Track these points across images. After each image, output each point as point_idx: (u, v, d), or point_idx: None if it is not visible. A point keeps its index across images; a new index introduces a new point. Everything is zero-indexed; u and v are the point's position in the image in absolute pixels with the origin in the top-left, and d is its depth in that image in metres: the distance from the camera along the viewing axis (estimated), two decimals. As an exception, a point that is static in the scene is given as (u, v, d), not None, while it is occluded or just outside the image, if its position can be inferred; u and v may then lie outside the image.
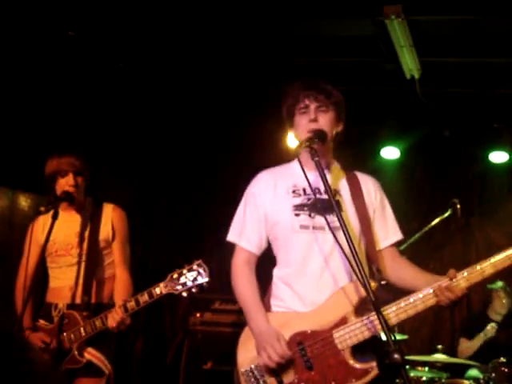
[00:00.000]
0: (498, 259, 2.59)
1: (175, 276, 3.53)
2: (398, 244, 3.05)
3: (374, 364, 2.49)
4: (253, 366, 2.72)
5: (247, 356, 2.78)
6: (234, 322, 6.43)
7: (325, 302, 2.69)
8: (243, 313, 2.89)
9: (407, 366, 5.37)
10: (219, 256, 6.28)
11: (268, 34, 5.48)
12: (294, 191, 2.90)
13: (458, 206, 5.58)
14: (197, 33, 5.40)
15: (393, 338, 1.83)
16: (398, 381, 3.73)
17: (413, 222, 6.82)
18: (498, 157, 6.65)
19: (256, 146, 6.86)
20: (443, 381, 5.02)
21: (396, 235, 3.02)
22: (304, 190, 2.86)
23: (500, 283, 5.93)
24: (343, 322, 2.61)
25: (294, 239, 2.84)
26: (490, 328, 5.69)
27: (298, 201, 2.87)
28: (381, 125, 6.70)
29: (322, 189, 2.76)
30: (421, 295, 2.61)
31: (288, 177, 2.92)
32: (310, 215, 2.82)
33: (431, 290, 2.60)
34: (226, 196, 7.30)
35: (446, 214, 5.59)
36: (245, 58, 5.80)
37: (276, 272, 2.94)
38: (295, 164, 2.89)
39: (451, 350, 6.07)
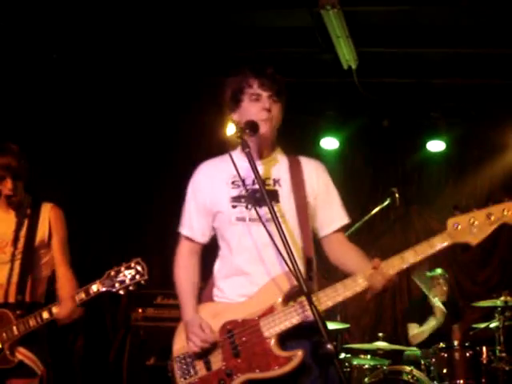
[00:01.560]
0: (420, 247, 2.62)
1: (112, 273, 3.47)
2: (344, 228, 3.02)
3: (298, 352, 2.50)
4: (185, 353, 2.75)
5: (181, 345, 2.79)
6: (177, 316, 6.37)
7: (256, 292, 2.70)
8: None
9: (348, 355, 5.44)
10: (160, 251, 6.26)
11: (205, 25, 5.43)
12: (233, 182, 2.84)
13: (397, 195, 5.63)
14: (134, 24, 5.32)
15: (327, 327, 1.83)
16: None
17: (353, 211, 6.87)
18: (435, 146, 6.77)
19: (195, 141, 6.81)
20: (385, 368, 5.08)
21: (341, 220, 2.97)
22: (243, 181, 2.79)
23: (439, 270, 6.05)
24: (271, 310, 2.63)
25: (231, 231, 2.82)
26: (439, 311, 5.79)
27: (236, 192, 2.82)
28: (320, 115, 6.74)
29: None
30: (354, 279, 2.63)
31: (228, 168, 2.86)
32: (246, 207, 2.78)
33: (363, 274, 2.62)
34: (165, 192, 7.30)
35: (386, 203, 5.65)
36: (181, 50, 5.73)
37: (216, 262, 2.93)
38: (236, 154, 2.85)
39: (393, 338, 6.17)
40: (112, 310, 6.91)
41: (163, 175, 6.99)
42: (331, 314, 6.07)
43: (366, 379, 5.02)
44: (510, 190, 7.08)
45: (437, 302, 5.90)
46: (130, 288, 3.47)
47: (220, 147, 3.80)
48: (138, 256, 3.54)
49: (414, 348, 5.65)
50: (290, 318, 2.59)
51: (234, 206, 2.81)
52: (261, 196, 2.65)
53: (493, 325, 5.25)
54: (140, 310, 6.23)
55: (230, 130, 2.77)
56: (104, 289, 3.48)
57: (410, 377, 4.95)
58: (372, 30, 5.48)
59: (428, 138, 6.74)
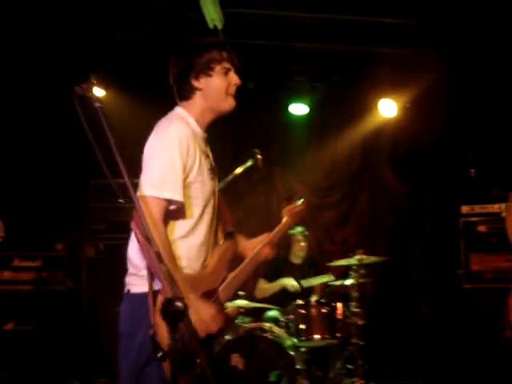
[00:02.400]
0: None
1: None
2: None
3: None
4: None
5: None
6: (35, 279, 6.19)
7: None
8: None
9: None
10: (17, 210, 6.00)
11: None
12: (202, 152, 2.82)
13: (259, 157, 5.66)
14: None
15: (176, 285, 1.82)
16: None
17: (218, 172, 6.90)
18: (298, 109, 6.89)
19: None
20: (246, 325, 5.17)
21: None
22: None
23: (299, 228, 6.23)
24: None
25: (209, 203, 2.78)
26: (289, 282, 5.96)
27: (208, 164, 2.86)
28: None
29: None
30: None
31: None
32: (212, 179, 2.85)
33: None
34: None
35: (248, 164, 5.67)
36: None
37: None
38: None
39: (254, 296, 6.29)
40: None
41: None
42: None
43: (227, 337, 5.08)
44: (368, 154, 7.39)
45: (294, 259, 6.20)
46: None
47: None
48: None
49: (274, 306, 5.79)
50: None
51: (212, 178, 2.89)
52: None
53: (348, 282, 5.48)
54: (-5, 273, 6.01)
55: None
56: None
57: (269, 333, 5.07)
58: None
59: (291, 101, 6.86)
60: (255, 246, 3.12)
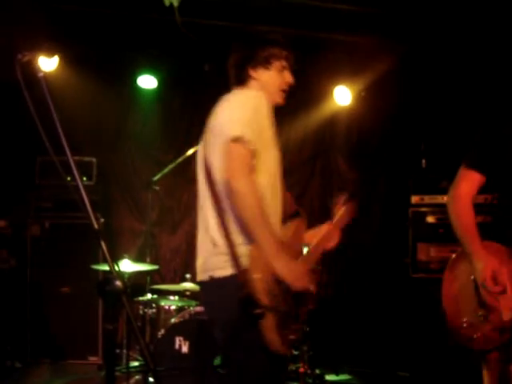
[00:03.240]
0: None
1: None
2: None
3: None
4: None
5: None
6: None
7: None
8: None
9: (155, 296, 5.44)
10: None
11: None
12: None
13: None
14: None
15: (116, 267, 1.77)
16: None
17: (168, 153, 6.83)
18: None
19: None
20: (191, 308, 5.13)
21: None
22: None
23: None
24: None
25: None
26: None
27: None
28: (139, 52, 6.52)
29: None
30: None
31: None
32: None
33: None
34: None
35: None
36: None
37: None
38: None
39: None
40: None
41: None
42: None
43: (173, 320, 5.04)
44: (321, 141, 7.38)
45: None
46: None
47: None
48: None
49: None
50: None
51: None
52: None
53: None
54: None
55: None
56: None
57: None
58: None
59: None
60: (317, 234, 3.10)
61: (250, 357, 2.53)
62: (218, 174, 2.63)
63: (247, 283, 2.42)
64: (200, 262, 2.77)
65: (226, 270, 2.58)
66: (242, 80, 2.94)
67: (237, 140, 2.55)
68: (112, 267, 1.77)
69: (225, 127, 2.63)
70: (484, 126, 2.79)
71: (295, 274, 2.54)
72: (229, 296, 2.52)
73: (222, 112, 2.76)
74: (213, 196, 2.64)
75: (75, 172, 2.06)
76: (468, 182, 2.80)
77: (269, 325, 2.43)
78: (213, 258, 2.65)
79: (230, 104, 2.77)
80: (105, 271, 5.23)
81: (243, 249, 2.55)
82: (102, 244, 1.82)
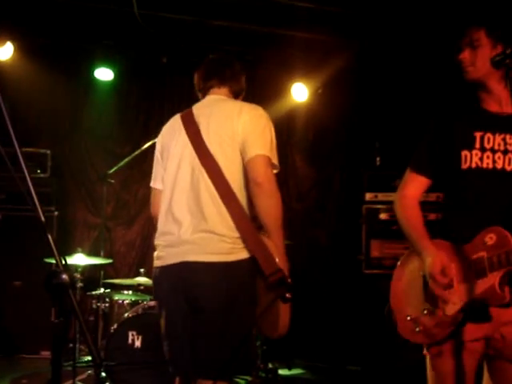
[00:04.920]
0: None
1: None
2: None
3: None
4: None
5: None
6: None
7: None
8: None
9: (108, 290, 5.41)
10: None
11: None
12: None
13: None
14: None
15: (63, 260, 1.76)
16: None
17: (126, 146, 6.78)
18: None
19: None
20: (145, 302, 5.11)
21: None
22: None
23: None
24: None
25: None
26: None
27: None
28: (96, 44, 6.45)
29: None
30: None
31: None
32: None
33: None
34: None
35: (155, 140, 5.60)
36: None
37: None
38: None
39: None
40: None
41: None
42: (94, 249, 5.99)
43: (126, 314, 5.02)
44: (279, 137, 7.38)
45: None
46: None
47: None
48: None
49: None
50: None
51: None
52: None
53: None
54: None
55: None
56: None
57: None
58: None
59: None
60: None
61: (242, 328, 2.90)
62: (235, 176, 2.99)
63: (279, 272, 2.82)
64: (189, 246, 2.94)
65: (233, 255, 2.91)
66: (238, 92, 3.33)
67: (268, 160, 2.99)
68: (59, 260, 1.76)
69: (259, 142, 2.99)
70: (430, 128, 2.84)
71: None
72: (239, 276, 2.90)
73: (251, 123, 3.02)
74: (224, 193, 2.93)
75: (22, 163, 2.03)
76: (414, 185, 2.85)
77: (288, 309, 2.88)
78: (218, 244, 2.90)
79: (261, 120, 3.06)
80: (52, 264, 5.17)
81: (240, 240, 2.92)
82: (49, 237, 1.80)
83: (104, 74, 6.57)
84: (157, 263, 3.09)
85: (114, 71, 6.58)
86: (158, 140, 3.33)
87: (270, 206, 2.95)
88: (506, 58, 2.36)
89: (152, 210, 3.29)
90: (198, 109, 3.19)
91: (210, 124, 3.05)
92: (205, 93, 3.30)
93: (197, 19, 6.22)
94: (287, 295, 2.78)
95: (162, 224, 3.10)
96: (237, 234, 2.91)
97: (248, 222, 2.93)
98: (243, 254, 2.92)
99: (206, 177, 2.96)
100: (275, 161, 3.04)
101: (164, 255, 3.04)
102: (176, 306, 3.00)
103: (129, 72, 6.80)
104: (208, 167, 2.96)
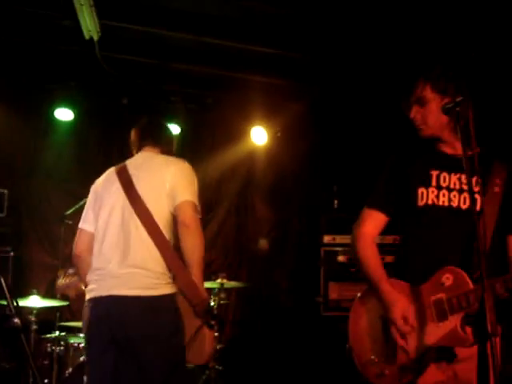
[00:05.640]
0: None
1: None
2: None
3: None
4: None
5: None
6: None
7: None
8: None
9: (64, 333, 5.31)
10: None
11: None
12: None
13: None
14: None
15: (15, 303, 1.73)
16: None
17: (84, 186, 6.72)
18: (173, 129, 6.83)
19: None
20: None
21: None
22: None
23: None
24: None
25: None
26: None
27: None
28: (56, 84, 6.45)
29: None
30: None
31: None
32: None
33: None
34: None
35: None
36: None
37: None
38: None
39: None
40: None
41: None
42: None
43: (82, 358, 4.94)
44: (238, 179, 7.45)
45: None
46: None
47: None
48: None
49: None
50: None
51: None
52: None
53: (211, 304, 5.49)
54: None
55: None
56: None
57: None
58: (118, 3, 5.37)
59: (166, 122, 6.79)
60: None
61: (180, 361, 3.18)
62: (163, 218, 3.29)
63: (205, 301, 3.18)
64: (116, 281, 3.19)
65: (158, 290, 3.17)
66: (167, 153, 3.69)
67: (195, 205, 3.31)
68: (11, 303, 1.73)
69: (187, 190, 3.35)
70: (387, 167, 2.90)
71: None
72: (162, 309, 3.17)
73: (178, 174, 3.40)
74: (152, 232, 3.23)
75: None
76: (372, 222, 2.88)
77: (212, 337, 3.23)
78: (143, 279, 3.16)
79: (188, 171, 3.48)
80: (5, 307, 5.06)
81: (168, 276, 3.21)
82: (1, 279, 1.78)
83: (64, 114, 6.54)
84: (88, 296, 3.31)
85: (74, 111, 6.56)
86: (93, 189, 3.64)
87: (196, 245, 3.20)
88: (456, 105, 2.40)
89: (75, 249, 3.53)
90: (130, 163, 3.55)
91: (140, 173, 3.42)
92: (139, 149, 3.70)
93: (157, 62, 6.28)
94: (212, 322, 3.12)
95: (94, 261, 3.35)
96: (162, 270, 3.21)
97: (176, 258, 3.21)
98: (167, 289, 3.20)
99: (136, 218, 3.26)
100: (199, 207, 3.35)
101: (95, 287, 3.27)
102: (100, 336, 3.18)
103: (89, 112, 6.79)
104: (138, 210, 3.27)
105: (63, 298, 5.65)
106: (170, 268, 3.21)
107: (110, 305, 3.17)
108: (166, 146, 3.74)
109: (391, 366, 2.63)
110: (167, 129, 3.91)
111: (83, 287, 4.03)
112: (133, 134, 3.82)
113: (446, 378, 2.62)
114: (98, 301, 3.23)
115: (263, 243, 7.14)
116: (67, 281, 4.33)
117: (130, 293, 3.15)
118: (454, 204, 2.70)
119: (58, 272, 4.51)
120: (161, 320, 3.16)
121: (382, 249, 2.93)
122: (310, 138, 7.16)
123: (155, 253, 3.21)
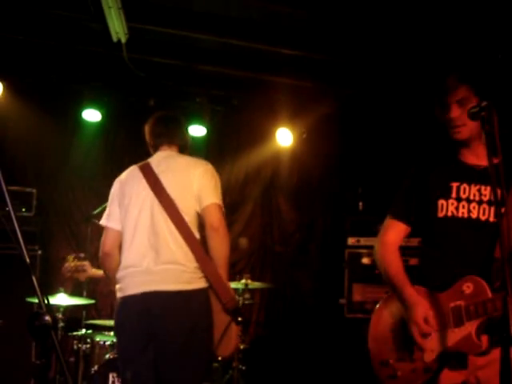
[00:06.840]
0: None
1: None
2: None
3: None
4: None
5: None
6: None
7: None
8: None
9: (90, 331, 5.38)
10: None
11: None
12: None
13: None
14: None
15: (46, 301, 1.78)
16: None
17: (110, 186, 6.78)
18: (197, 130, 6.90)
19: None
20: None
21: None
22: None
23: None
24: None
25: None
26: None
27: None
28: (85, 85, 6.53)
29: None
30: None
31: None
32: None
33: None
34: None
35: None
36: None
37: None
38: None
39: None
40: None
41: None
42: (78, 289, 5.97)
43: (107, 355, 4.99)
44: (263, 180, 7.48)
45: None
46: None
47: None
48: None
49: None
50: None
51: None
52: None
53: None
54: None
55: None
56: None
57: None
58: (145, 6, 5.43)
59: (191, 122, 6.85)
60: None
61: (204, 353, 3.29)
62: (191, 216, 3.41)
63: (235, 299, 3.40)
64: (153, 277, 3.29)
65: (193, 284, 3.29)
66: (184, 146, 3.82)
67: (221, 208, 3.45)
68: (42, 301, 1.77)
69: (213, 192, 3.47)
70: (409, 176, 2.91)
71: None
72: (199, 303, 3.29)
73: (204, 176, 3.50)
74: (182, 229, 3.34)
75: (8, 202, 2.07)
76: (393, 231, 2.91)
77: (237, 332, 3.37)
78: (179, 274, 3.28)
79: (212, 174, 3.56)
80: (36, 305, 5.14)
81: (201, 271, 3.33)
82: (33, 278, 1.82)
83: (92, 115, 6.62)
84: (118, 295, 3.38)
85: (101, 112, 6.63)
86: (116, 186, 3.70)
87: (223, 246, 3.36)
88: (481, 110, 2.38)
89: (103, 247, 3.55)
90: (154, 162, 3.65)
91: (166, 173, 3.50)
92: (156, 149, 3.80)
93: (184, 64, 6.34)
94: (239, 318, 3.29)
95: (124, 259, 3.42)
96: (196, 264, 3.31)
97: (205, 255, 3.34)
98: (201, 284, 3.32)
99: (166, 216, 3.36)
100: (223, 209, 3.49)
101: (124, 287, 3.35)
102: (139, 333, 3.26)
103: (116, 114, 6.86)
104: (167, 208, 3.37)
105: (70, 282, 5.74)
106: (200, 264, 3.32)
107: (149, 301, 3.25)
108: (181, 141, 3.80)
109: (404, 368, 2.66)
110: (180, 121, 3.94)
111: (93, 271, 4.22)
112: (146, 132, 3.95)
113: (468, 382, 2.63)
114: (134, 298, 3.30)
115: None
116: (77, 263, 4.40)
117: (169, 287, 3.26)
118: (474, 215, 2.71)
119: (68, 256, 4.58)
120: (198, 313, 3.28)
121: (407, 251, 2.96)
122: (335, 140, 7.16)
123: (186, 249, 3.32)
